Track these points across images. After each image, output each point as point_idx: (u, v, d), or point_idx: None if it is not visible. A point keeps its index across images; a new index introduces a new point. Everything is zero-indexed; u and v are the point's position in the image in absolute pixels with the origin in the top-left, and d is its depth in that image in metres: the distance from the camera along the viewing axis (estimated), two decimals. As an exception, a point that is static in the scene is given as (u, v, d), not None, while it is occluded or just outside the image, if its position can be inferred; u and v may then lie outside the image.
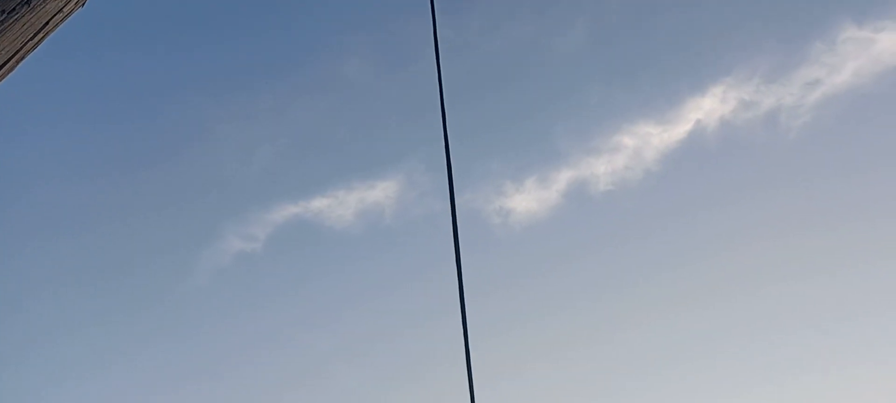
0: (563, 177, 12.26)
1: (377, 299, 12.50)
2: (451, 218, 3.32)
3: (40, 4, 3.16)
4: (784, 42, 12.25)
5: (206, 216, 12.64)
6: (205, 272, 12.27)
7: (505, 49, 12.49)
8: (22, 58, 3.15)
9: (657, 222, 12.71)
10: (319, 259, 12.95)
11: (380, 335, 12.45)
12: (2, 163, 11.51)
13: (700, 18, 12.63)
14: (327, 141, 12.76)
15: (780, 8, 12.27)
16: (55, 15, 3.29)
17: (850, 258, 12.16)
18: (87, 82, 12.10)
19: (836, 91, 11.77)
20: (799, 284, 12.11)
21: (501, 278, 12.47)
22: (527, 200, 12.31)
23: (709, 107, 12.12)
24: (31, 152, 12.09)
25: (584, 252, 12.80)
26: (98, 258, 12.32)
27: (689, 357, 12.23)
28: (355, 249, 12.59)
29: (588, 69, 12.70)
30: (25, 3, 3.06)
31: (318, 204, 12.35)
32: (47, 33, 3.29)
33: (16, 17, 3.02)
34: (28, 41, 3.14)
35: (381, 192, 12.29)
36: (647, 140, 12.15)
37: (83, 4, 3.51)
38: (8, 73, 3.08)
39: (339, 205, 12.27)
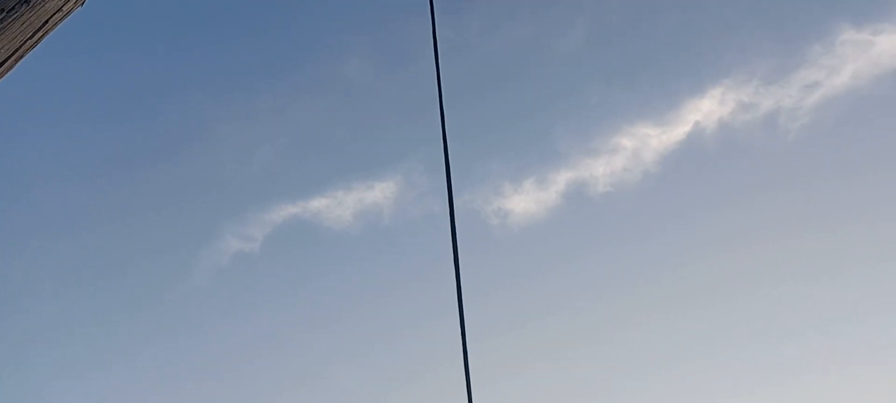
0: (562, 178, 12.27)
1: (376, 299, 12.51)
2: (449, 218, 3.32)
3: (40, 3, 3.16)
4: (783, 44, 12.27)
5: (204, 216, 12.65)
6: (203, 272, 12.28)
7: (504, 49, 12.50)
8: (21, 57, 3.15)
9: (656, 223, 12.72)
10: (318, 259, 12.96)
11: (378, 335, 12.46)
12: (0, 163, 11.51)
13: (699, 20, 12.65)
14: (326, 141, 12.77)
15: (778, 10, 12.29)
16: (55, 14, 3.29)
17: (849, 259, 12.18)
18: (86, 81, 12.10)
19: (835, 93, 11.79)
20: (798, 285, 12.13)
21: (500, 279, 12.48)
22: (525, 201, 12.32)
23: (707, 108, 12.14)
24: (29, 151, 12.10)
25: (582, 253, 12.81)
26: (96, 258, 12.32)
27: (688, 359, 12.24)
28: (354, 250, 12.60)
29: (587, 70, 12.71)
30: (25, 1, 3.06)
31: (317, 204, 12.36)
32: (46, 32, 3.29)
33: (15, 15, 3.02)
34: (27, 40, 3.14)
35: (379, 193, 12.30)
36: (646, 141, 12.16)
37: (83, 3, 3.51)
38: (7, 72, 3.08)
39: (338, 206, 12.27)
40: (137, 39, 11.96)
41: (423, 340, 12.35)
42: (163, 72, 12.18)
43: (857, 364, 11.63)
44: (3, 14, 2.96)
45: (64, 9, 3.36)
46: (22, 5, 3.04)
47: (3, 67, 3.04)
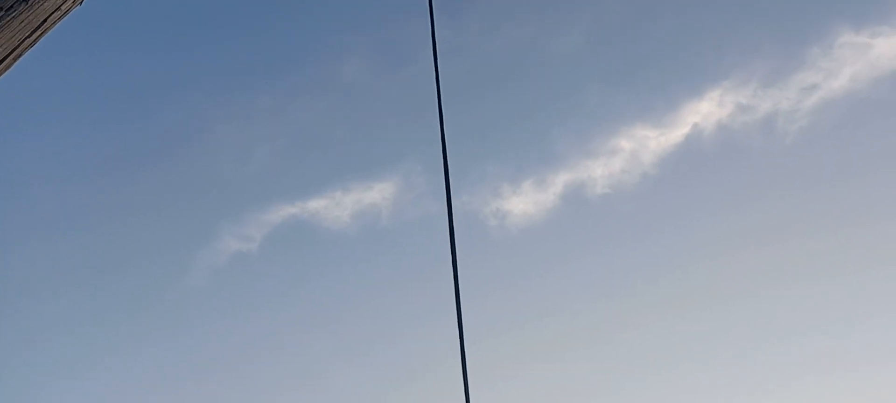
0: (560, 180, 12.27)
1: (374, 300, 12.51)
2: (448, 219, 3.32)
3: (38, 2, 3.15)
4: (781, 46, 12.29)
5: (203, 216, 12.64)
6: (202, 272, 12.27)
7: (503, 50, 12.51)
8: (19, 55, 3.15)
9: (654, 225, 12.72)
10: (316, 259, 12.95)
11: (376, 335, 12.45)
12: (-1, 162, 11.50)
13: (698, 22, 12.66)
14: (325, 141, 12.76)
15: (777, 12, 12.31)
16: (53, 12, 3.29)
17: (847, 261, 12.19)
18: (84, 81, 12.09)
19: (834, 96, 11.80)
20: (796, 287, 12.14)
21: (498, 280, 12.47)
22: (524, 202, 12.32)
23: (706, 110, 12.14)
24: (28, 151, 12.09)
25: (580, 254, 12.81)
26: (94, 257, 12.32)
27: (686, 360, 12.24)
28: (352, 250, 12.59)
29: (586, 71, 12.71)
30: (23, 0, 3.06)
31: (315, 204, 12.36)
32: (45, 31, 3.29)
33: (14, 14, 3.02)
34: (25, 38, 3.14)
35: (378, 193, 12.29)
36: (645, 143, 12.16)
37: (81, 2, 3.51)
38: (5, 71, 3.08)
39: (336, 206, 12.27)
40: (136, 39, 11.96)
41: (421, 341, 12.35)
42: (161, 71, 12.19)
43: (856, 365, 11.64)
44: (2, 13, 2.96)
45: (62, 8, 3.35)
46: (20, 4, 3.04)
47: (1, 66, 3.04)
